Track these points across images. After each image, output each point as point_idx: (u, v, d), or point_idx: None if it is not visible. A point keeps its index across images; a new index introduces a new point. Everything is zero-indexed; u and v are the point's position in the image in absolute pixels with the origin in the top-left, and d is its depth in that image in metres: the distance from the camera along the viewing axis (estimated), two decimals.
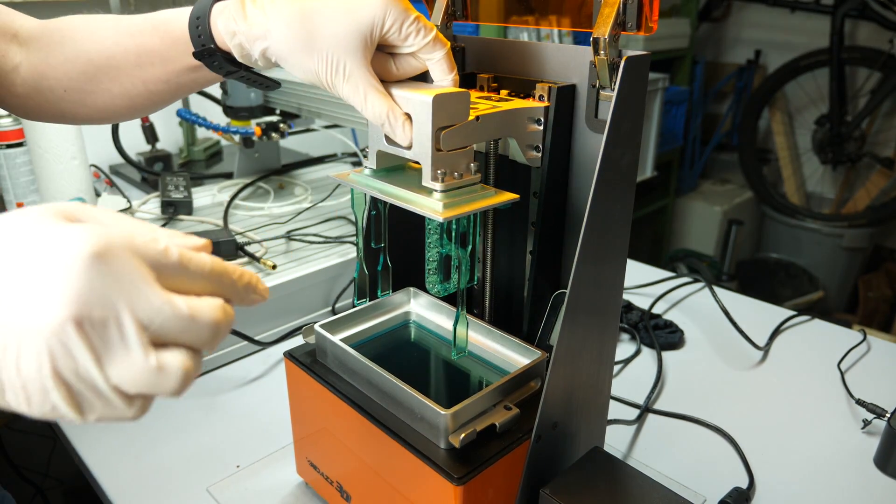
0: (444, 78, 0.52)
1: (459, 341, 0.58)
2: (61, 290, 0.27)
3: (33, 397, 0.29)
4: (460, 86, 0.64)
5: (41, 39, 0.60)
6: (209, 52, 0.55)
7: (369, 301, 0.66)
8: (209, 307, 0.32)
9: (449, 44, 0.52)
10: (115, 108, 0.62)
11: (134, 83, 0.59)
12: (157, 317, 0.30)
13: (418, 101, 0.49)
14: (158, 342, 0.30)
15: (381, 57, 0.52)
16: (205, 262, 0.33)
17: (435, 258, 0.57)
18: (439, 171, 0.50)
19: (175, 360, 0.30)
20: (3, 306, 0.28)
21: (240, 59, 0.54)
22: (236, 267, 0.35)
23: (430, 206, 0.51)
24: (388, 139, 0.52)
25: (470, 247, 0.55)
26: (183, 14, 0.56)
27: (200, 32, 0.54)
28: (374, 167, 0.56)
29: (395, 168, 0.57)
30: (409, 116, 0.50)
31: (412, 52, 0.51)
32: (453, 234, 0.54)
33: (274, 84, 0.62)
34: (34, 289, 0.28)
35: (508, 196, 0.53)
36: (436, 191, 0.51)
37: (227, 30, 0.53)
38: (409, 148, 0.51)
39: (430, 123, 0.48)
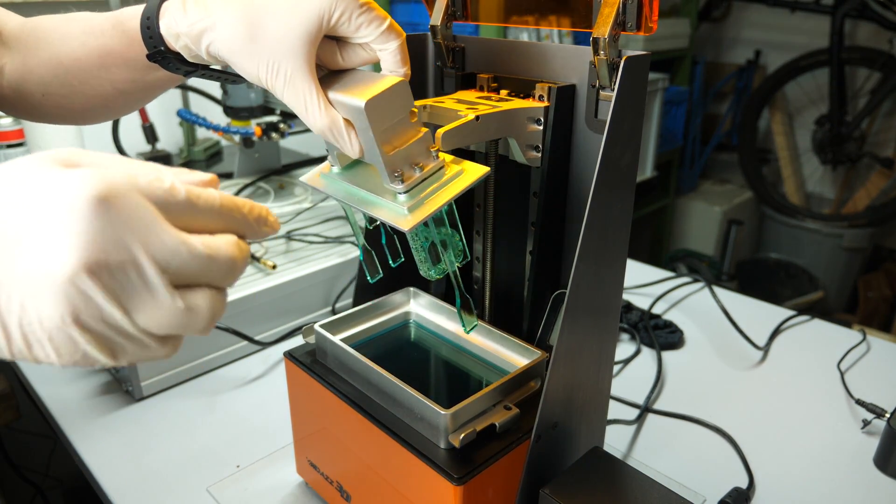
0: (397, 70, 0.49)
1: (467, 322, 0.57)
2: (71, 237, 0.27)
3: (62, 349, 0.28)
4: (460, 88, 0.64)
5: (20, 40, 0.58)
6: (161, 55, 0.52)
7: (381, 276, 0.63)
8: (225, 244, 0.31)
9: (404, 34, 0.49)
10: (91, 109, 0.60)
11: (102, 84, 0.57)
12: (175, 258, 0.29)
13: (352, 107, 0.46)
14: (179, 283, 0.30)
15: (328, 44, 0.49)
16: (213, 198, 0.32)
17: (420, 247, 0.55)
18: (396, 173, 0.48)
19: (202, 300, 0.30)
20: (12, 259, 0.27)
21: (191, 60, 0.52)
22: (245, 200, 0.34)
23: (395, 212, 0.49)
24: None
25: (452, 230, 0.53)
26: (139, 13, 0.52)
27: (151, 34, 0.51)
28: (339, 166, 0.54)
29: (363, 163, 0.54)
30: (350, 123, 0.47)
31: (363, 44, 0.48)
32: (430, 223, 0.52)
33: (240, 79, 0.56)
34: (42, 238, 0.27)
35: (478, 173, 0.50)
36: (398, 193, 0.49)
37: (170, 32, 0.50)
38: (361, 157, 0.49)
39: (370, 129, 0.46)
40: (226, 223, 0.32)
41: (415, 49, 0.66)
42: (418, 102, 0.56)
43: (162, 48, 0.52)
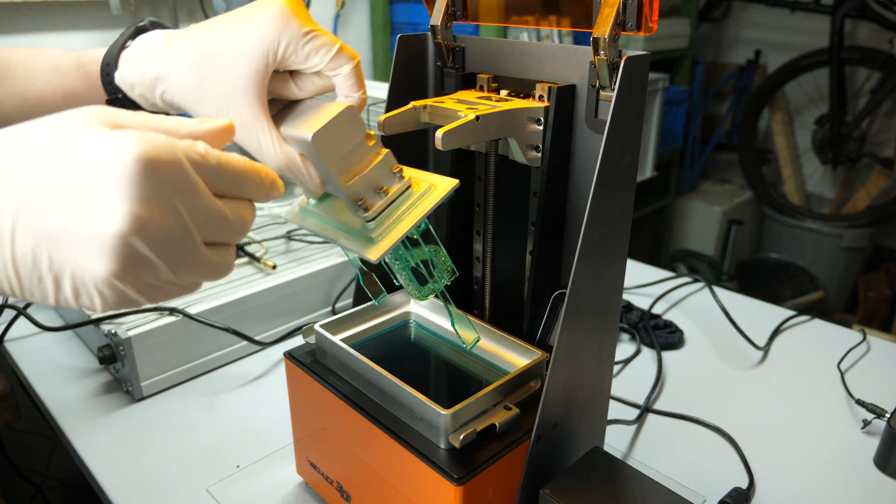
0: (352, 95, 0.48)
1: (466, 340, 0.57)
2: (121, 198, 0.29)
3: (108, 298, 0.31)
4: (460, 88, 0.64)
5: None
6: (120, 101, 0.52)
7: (386, 295, 0.62)
8: (247, 211, 0.36)
9: (357, 58, 0.48)
10: None
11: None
12: (211, 223, 0.33)
13: (301, 140, 0.45)
14: (207, 241, 0.34)
15: (281, 77, 0.49)
16: (238, 164, 0.35)
17: (402, 270, 0.53)
18: (359, 202, 0.47)
19: (227, 256, 0.35)
20: (66, 216, 0.29)
21: (148, 108, 0.51)
22: (261, 165, 0.37)
23: (362, 242, 0.48)
24: None
25: (431, 245, 0.52)
26: (101, 56, 0.52)
27: (110, 80, 0.51)
28: (314, 199, 0.53)
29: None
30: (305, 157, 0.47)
31: (316, 72, 0.48)
32: (406, 246, 0.51)
33: None
34: (94, 198, 0.29)
35: (447, 187, 0.48)
36: (365, 220, 0.48)
37: (125, 81, 0.50)
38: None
39: (322, 162, 0.45)
40: (244, 188, 0.35)
41: (415, 49, 0.66)
42: (418, 103, 0.56)
43: (120, 95, 0.51)
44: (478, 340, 0.58)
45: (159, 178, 0.30)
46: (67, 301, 0.31)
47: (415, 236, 0.51)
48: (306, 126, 0.45)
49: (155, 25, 0.52)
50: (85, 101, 0.53)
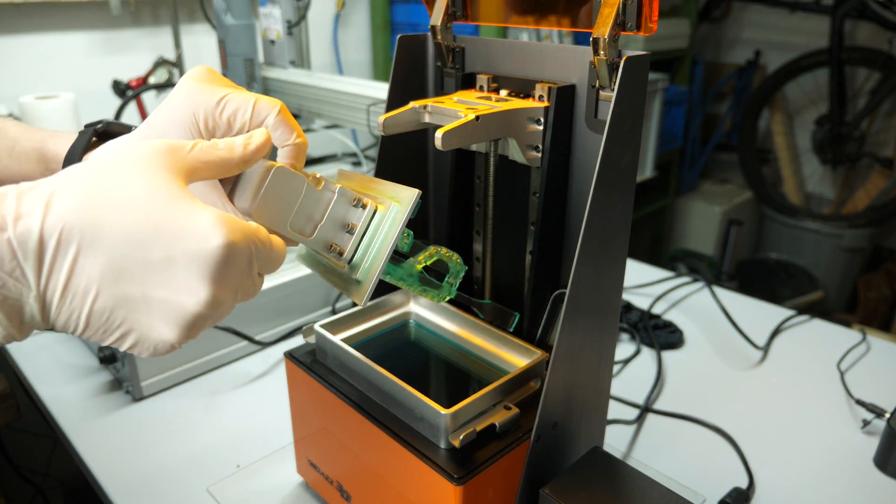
0: (287, 142, 0.46)
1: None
2: (206, 281, 0.33)
3: (161, 353, 0.36)
4: (460, 88, 0.64)
5: None
6: None
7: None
8: (260, 285, 0.40)
9: (278, 104, 0.45)
10: None
11: None
12: (248, 292, 0.38)
13: (244, 218, 0.43)
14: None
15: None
16: (280, 245, 0.39)
17: (409, 284, 0.52)
18: (330, 249, 0.46)
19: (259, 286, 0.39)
20: (151, 283, 0.33)
21: None
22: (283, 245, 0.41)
23: (349, 285, 0.47)
24: None
25: (431, 247, 0.51)
26: (64, 146, 0.50)
27: None
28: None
29: None
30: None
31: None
32: (395, 265, 0.50)
33: None
34: (179, 276, 0.33)
35: (409, 201, 0.46)
36: (343, 265, 0.47)
37: None
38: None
39: (274, 230, 0.44)
40: (272, 266, 0.39)
41: (415, 49, 0.66)
42: (418, 102, 0.56)
43: None
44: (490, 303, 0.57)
45: (236, 263, 0.34)
46: (118, 347, 0.35)
47: (405, 251, 0.50)
48: (244, 200, 0.43)
49: (113, 126, 0.50)
50: None
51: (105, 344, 0.35)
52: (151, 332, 0.34)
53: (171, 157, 0.36)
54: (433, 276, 0.53)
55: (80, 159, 0.48)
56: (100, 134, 0.49)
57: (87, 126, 0.50)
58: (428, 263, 0.51)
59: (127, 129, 0.50)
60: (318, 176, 0.45)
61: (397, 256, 0.51)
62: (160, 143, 0.37)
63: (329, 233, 0.46)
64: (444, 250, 0.52)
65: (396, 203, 0.47)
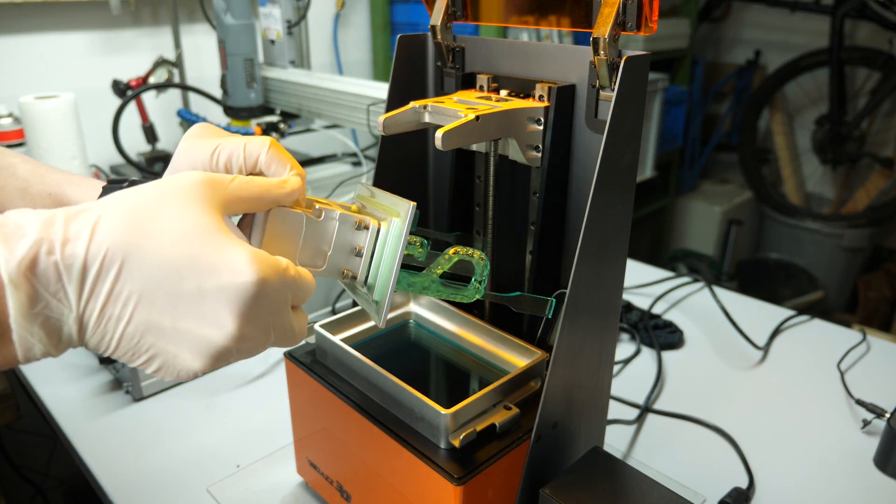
0: (283, 176, 0.44)
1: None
2: (234, 316, 0.35)
3: (185, 380, 0.39)
4: (460, 88, 0.64)
5: None
6: None
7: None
8: (303, 319, 0.41)
9: (268, 140, 0.44)
10: None
11: None
12: (284, 333, 0.39)
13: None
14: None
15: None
16: (309, 278, 0.40)
17: (434, 291, 0.52)
18: (343, 277, 0.46)
19: (297, 326, 0.41)
20: (181, 314, 0.35)
21: None
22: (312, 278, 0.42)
23: (371, 307, 0.48)
24: None
25: (424, 249, 0.50)
26: (85, 199, 0.50)
27: None
28: None
29: None
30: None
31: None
32: (408, 274, 0.49)
33: None
34: (209, 309, 0.35)
35: (406, 212, 0.45)
36: (360, 288, 0.47)
37: None
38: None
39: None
40: (305, 298, 0.41)
41: (415, 49, 0.66)
42: (418, 102, 0.56)
43: None
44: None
45: (266, 300, 0.36)
46: (144, 370, 0.36)
47: (421, 260, 0.49)
48: (252, 243, 0.43)
49: (137, 184, 0.48)
50: None
51: (132, 365, 0.36)
52: (177, 359, 0.36)
53: (211, 190, 0.37)
54: (460, 278, 0.52)
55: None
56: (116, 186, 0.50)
57: (111, 182, 0.50)
58: (447, 268, 0.51)
59: None
60: (317, 206, 0.45)
61: (416, 267, 0.50)
62: (202, 175, 0.38)
63: (340, 260, 0.46)
64: (463, 250, 0.51)
65: (397, 217, 0.46)
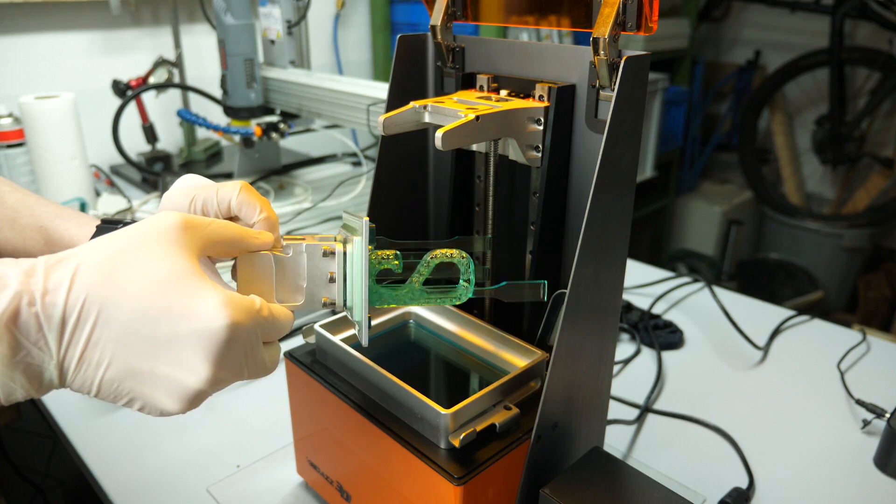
0: (255, 220, 0.45)
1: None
2: (208, 361, 0.36)
3: (164, 417, 0.41)
4: (460, 88, 0.64)
5: None
6: None
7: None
8: (276, 352, 0.43)
9: (241, 185, 0.45)
10: None
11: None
12: (257, 369, 0.40)
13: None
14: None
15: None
16: (281, 314, 0.42)
17: (420, 299, 0.52)
18: (323, 304, 0.47)
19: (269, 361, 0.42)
20: (157, 358, 0.36)
21: None
22: (289, 313, 0.43)
23: (357, 328, 0.49)
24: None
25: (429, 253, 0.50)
26: (75, 235, 0.51)
27: None
28: None
29: None
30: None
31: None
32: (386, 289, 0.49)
33: None
34: (184, 355, 0.36)
35: (362, 228, 0.46)
36: (343, 314, 0.47)
37: None
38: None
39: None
40: (279, 333, 0.42)
41: (415, 49, 0.66)
42: (418, 102, 0.56)
43: None
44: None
45: (238, 342, 0.37)
46: (128, 408, 0.38)
47: (398, 272, 0.50)
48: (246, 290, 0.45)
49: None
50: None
51: (116, 404, 0.38)
52: (155, 401, 0.37)
53: (188, 232, 0.38)
54: (451, 281, 0.52)
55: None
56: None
57: (105, 223, 0.51)
58: (428, 274, 0.51)
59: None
60: (284, 244, 0.46)
61: (400, 281, 0.50)
62: (180, 216, 0.39)
63: (317, 289, 0.47)
64: (439, 252, 0.51)
65: (358, 236, 0.47)
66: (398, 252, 0.50)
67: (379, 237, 0.53)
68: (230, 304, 0.36)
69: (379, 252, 0.49)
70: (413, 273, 0.50)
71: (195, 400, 0.37)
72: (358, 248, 0.46)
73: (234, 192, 0.45)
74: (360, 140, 1.90)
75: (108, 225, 0.51)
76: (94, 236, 0.50)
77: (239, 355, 0.38)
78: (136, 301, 0.35)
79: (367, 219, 0.46)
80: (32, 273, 0.34)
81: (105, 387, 0.36)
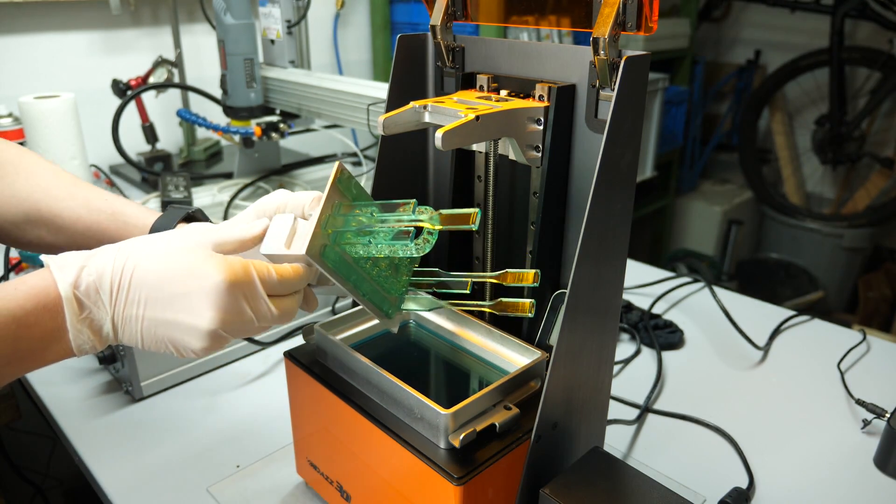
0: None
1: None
2: (211, 308, 0.46)
3: (199, 356, 0.50)
4: (460, 88, 0.64)
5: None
6: None
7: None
8: (291, 302, 0.52)
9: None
10: (34, 245, 0.65)
11: (71, 245, 0.63)
12: (265, 315, 0.50)
13: None
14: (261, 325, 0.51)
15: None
16: (288, 274, 0.51)
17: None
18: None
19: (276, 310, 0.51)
20: (176, 310, 0.47)
21: None
22: (306, 284, 0.53)
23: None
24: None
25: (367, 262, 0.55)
26: (144, 216, 0.63)
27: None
28: None
29: None
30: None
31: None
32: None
33: None
34: (197, 303, 0.46)
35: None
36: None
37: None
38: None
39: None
40: (290, 289, 0.52)
41: (415, 49, 0.66)
42: (418, 102, 0.56)
43: None
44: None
45: (236, 292, 0.47)
46: (172, 354, 0.49)
47: (368, 222, 0.54)
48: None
49: (197, 214, 0.65)
50: (111, 241, 0.59)
51: (161, 352, 0.49)
52: (185, 343, 0.48)
53: (200, 232, 0.51)
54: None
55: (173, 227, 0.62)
56: (186, 217, 0.63)
57: (172, 206, 0.65)
58: (390, 228, 0.53)
59: (206, 218, 0.65)
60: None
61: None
62: (197, 224, 0.53)
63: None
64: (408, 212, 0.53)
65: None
66: (375, 210, 0.54)
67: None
68: (225, 267, 0.47)
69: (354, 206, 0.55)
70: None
71: (213, 339, 0.47)
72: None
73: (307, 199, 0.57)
74: (360, 140, 1.90)
75: (175, 207, 0.64)
76: (161, 217, 0.63)
77: (238, 303, 0.47)
78: (159, 268, 0.46)
79: (340, 163, 0.54)
80: (92, 255, 0.47)
81: (146, 336, 0.47)
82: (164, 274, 0.47)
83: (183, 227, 0.55)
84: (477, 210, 0.52)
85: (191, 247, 0.48)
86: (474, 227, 0.52)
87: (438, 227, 0.53)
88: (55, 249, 0.63)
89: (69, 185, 0.65)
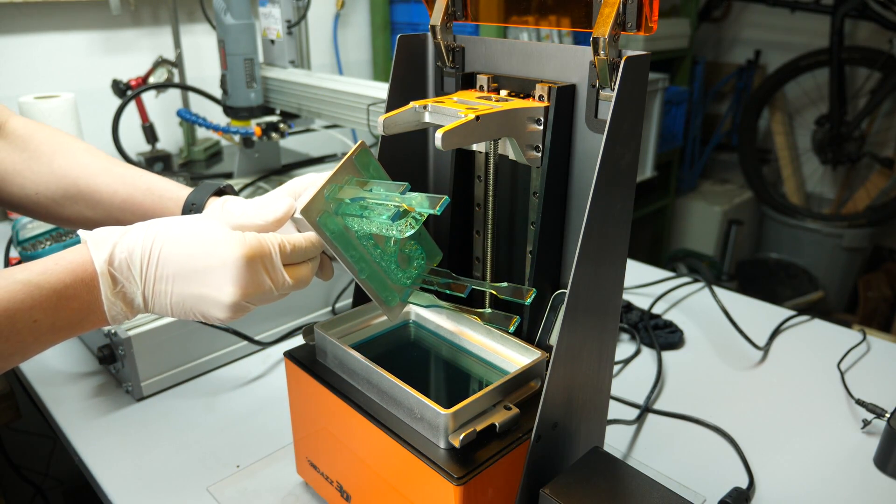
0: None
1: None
2: (232, 281, 0.50)
3: (225, 322, 0.53)
4: (460, 88, 0.64)
5: (28, 141, 0.68)
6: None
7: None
8: (306, 270, 0.55)
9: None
10: (73, 221, 0.69)
11: (108, 219, 0.67)
12: (282, 284, 0.53)
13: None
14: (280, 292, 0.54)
15: None
16: (301, 244, 0.54)
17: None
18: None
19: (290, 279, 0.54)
20: (200, 285, 0.50)
21: None
22: (312, 245, 0.55)
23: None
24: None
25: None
26: (177, 190, 0.66)
27: (196, 211, 0.64)
28: None
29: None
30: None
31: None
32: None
33: None
34: (218, 278, 0.50)
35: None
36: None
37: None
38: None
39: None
40: (305, 257, 0.55)
41: (415, 49, 0.66)
42: (418, 102, 0.56)
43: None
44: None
45: (254, 266, 0.50)
46: (199, 321, 0.53)
47: (366, 195, 0.55)
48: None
49: (227, 189, 0.67)
50: (146, 216, 0.65)
51: (189, 319, 0.53)
52: (211, 313, 0.51)
53: (223, 212, 0.54)
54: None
55: (203, 204, 0.65)
56: (217, 192, 0.65)
57: (204, 181, 0.68)
58: (376, 198, 0.55)
59: (235, 192, 0.68)
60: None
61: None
62: (226, 199, 0.58)
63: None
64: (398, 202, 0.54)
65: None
66: (378, 188, 0.56)
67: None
68: (243, 243, 0.50)
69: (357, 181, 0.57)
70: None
71: (235, 309, 0.51)
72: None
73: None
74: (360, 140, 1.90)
75: (207, 182, 0.66)
76: (194, 192, 0.65)
77: (256, 276, 0.50)
78: (183, 245, 0.50)
79: (363, 142, 0.57)
80: (125, 232, 0.50)
81: (175, 308, 0.51)
82: (187, 252, 0.50)
83: (213, 202, 0.62)
84: (445, 196, 0.53)
85: (212, 226, 0.51)
86: (437, 213, 0.53)
87: (423, 212, 0.53)
88: (93, 224, 0.66)
89: (105, 161, 0.68)
